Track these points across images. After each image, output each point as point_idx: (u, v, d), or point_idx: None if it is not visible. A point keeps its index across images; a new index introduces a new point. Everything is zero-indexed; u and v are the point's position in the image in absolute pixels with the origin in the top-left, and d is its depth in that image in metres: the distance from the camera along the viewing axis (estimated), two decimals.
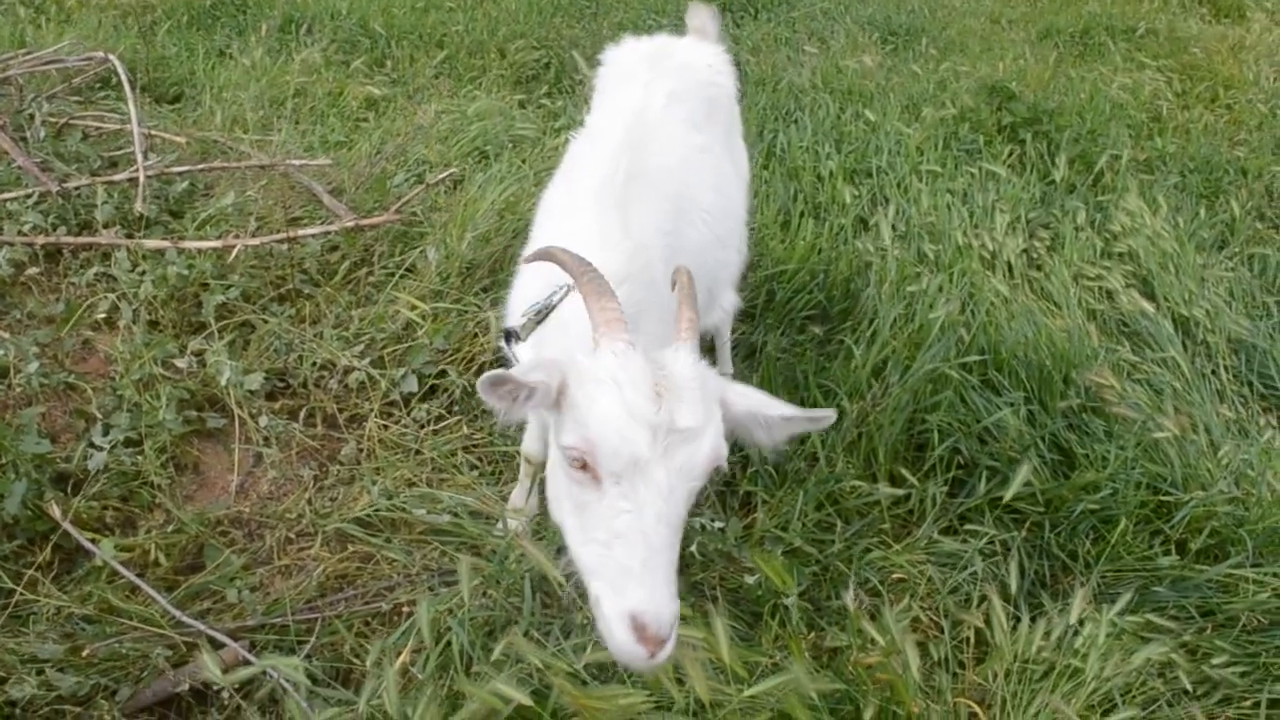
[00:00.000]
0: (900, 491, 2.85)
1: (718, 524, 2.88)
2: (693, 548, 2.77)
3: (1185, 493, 2.93)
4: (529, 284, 2.26)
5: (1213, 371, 3.69)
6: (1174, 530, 2.87)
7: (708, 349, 3.19)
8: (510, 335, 2.20)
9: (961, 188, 4.71)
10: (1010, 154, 5.24)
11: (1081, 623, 2.43)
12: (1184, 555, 2.84)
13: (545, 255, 1.85)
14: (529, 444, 2.74)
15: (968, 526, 2.84)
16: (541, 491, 2.87)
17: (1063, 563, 2.83)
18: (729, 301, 2.86)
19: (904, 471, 2.90)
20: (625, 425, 1.55)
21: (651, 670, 1.61)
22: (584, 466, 1.60)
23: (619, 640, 1.50)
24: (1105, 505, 2.87)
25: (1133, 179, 5.00)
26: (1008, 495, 2.62)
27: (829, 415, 1.75)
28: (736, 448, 2.97)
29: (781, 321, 3.50)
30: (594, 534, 1.59)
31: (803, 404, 3.05)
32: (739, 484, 2.99)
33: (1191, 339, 3.85)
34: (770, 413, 1.74)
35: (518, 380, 1.64)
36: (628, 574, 1.51)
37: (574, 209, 2.31)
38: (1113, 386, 3.08)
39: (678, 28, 7.18)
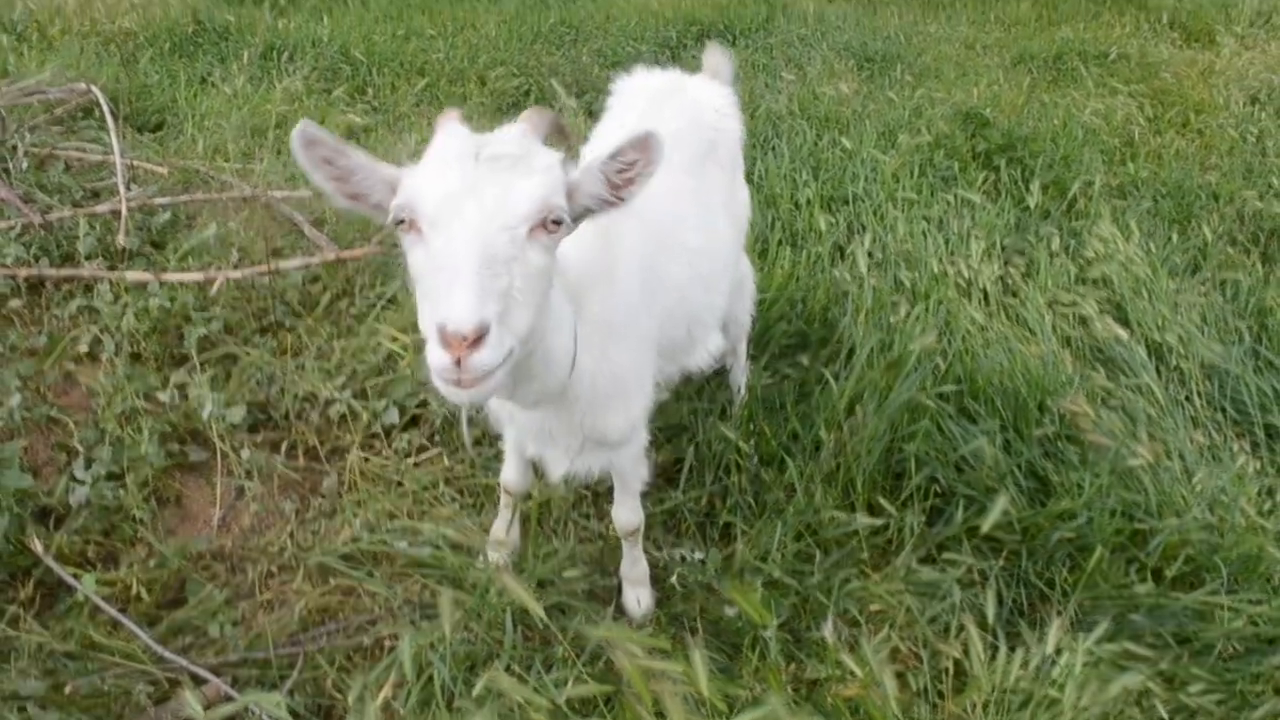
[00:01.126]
0: (878, 521, 2.87)
1: (698, 555, 2.91)
2: (673, 579, 2.79)
3: (1160, 520, 2.96)
4: None
5: (1186, 398, 3.73)
6: (1149, 558, 2.90)
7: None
8: None
9: (937, 215, 4.76)
10: (985, 180, 5.31)
11: (1059, 652, 2.45)
12: (1160, 583, 2.87)
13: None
14: (508, 475, 2.76)
15: (946, 555, 2.87)
16: (523, 523, 2.90)
17: (1040, 591, 2.86)
18: (714, 344, 2.86)
19: (882, 501, 2.92)
20: (440, 169, 1.61)
21: (469, 402, 1.60)
22: (411, 227, 1.62)
23: (429, 358, 1.50)
24: (1081, 533, 2.90)
25: (1106, 205, 5.07)
26: (985, 526, 2.65)
27: (649, 134, 1.77)
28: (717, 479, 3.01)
29: (762, 351, 3.53)
30: (425, 289, 1.60)
31: (790, 435, 3.11)
32: (719, 514, 3.01)
33: (1165, 365, 3.89)
34: (601, 159, 1.78)
35: (333, 146, 1.71)
36: (444, 297, 1.51)
37: None
38: (1087, 414, 3.11)
39: (656, 54, 7.28)
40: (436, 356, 1.49)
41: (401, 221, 1.63)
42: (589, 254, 2.15)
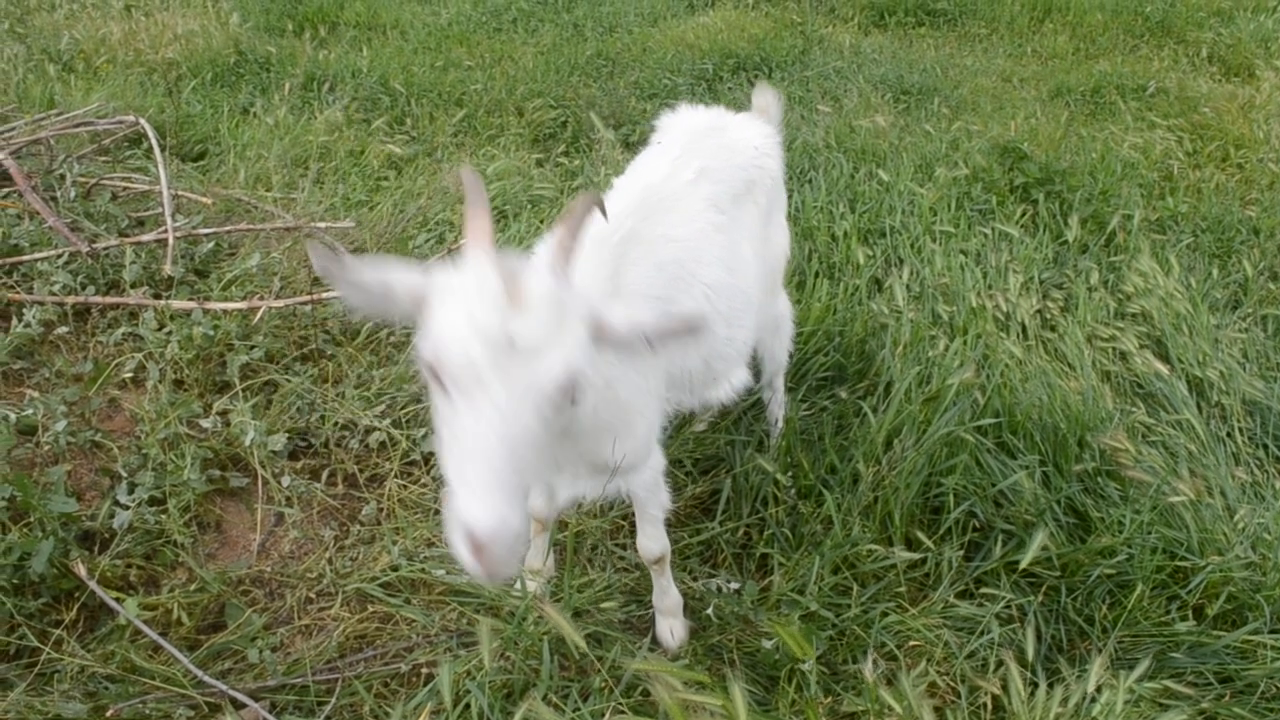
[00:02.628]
0: (916, 555, 2.87)
1: (734, 585, 2.91)
2: (709, 610, 2.79)
3: (1201, 558, 2.93)
4: None
5: (1228, 434, 3.70)
6: (1191, 596, 2.87)
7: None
8: None
9: (975, 248, 4.75)
10: (1023, 214, 5.29)
11: (1099, 689, 2.43)
12: (1201, 621, 2.84)
13: (454, 178, 1.86)
14: (533, 502, 2.77)
15: (984, 590, 2.85)
16: (559, 553, 2.91)
17: (1079, 628, 2.83)
18: (739, 379, 2.87)
19: (920, 535, 2.92)
20: (465, 337, 1.54)
21: (493, 584, 1.59)
22: (436, 377, 1.59)
23: (456, 553, 1.52)
24: (1121, 570, 2.88)
25: (1145, 239, 5.04)
26: (1025, 561, 2.64)
27: (698, 318, 1.74)
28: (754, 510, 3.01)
29: (799, 383, 3.53)
30: (449, 445, 1.59)
31: (828, 468, 3.11)
32: (756, 546, 3.01)
33: (1206, 401, 3.86)
34: (645, 325, 1.74)
35: (346, 266, 1.66)
36: (468, 489, 1.50)
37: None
38: (1127, 450, 3.09)
39: (692, 86, 7.33)
40: (464, 559, 1.51)
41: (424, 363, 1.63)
42: (594, 281, 2.16)
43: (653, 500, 2.57)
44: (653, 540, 2.63)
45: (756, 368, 3.23)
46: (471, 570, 1.52)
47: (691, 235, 2.58)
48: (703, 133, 2.93)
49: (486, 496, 1.48)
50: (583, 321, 1.65)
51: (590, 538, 3.05)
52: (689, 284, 2.51)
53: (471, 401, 1.53)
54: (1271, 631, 2.81)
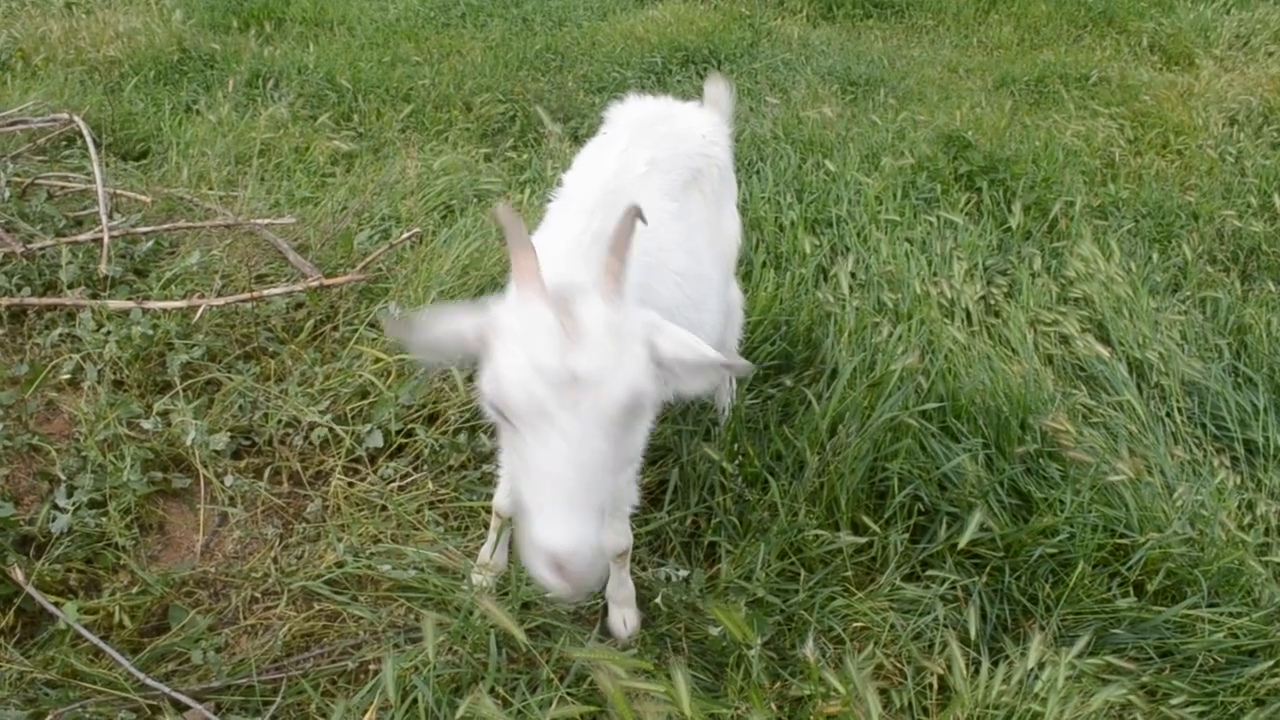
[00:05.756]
0: (862, 539, 2.89)
1: (682, 574, 2.91)
2: (657, 599, 2.80)
3: (1141, 535, 2.98)
4: None
5: (1167, 414, 3.76)
6: (1131, 572, 2.92)
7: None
8: None
9: (920, 236, 4.79)
10: (967, 202, 5.35)
11: (1041, 666, 2.46)
12: (1141, 597, 2.90)
13: (491, 216, 1.88)
14: (500, 498, 2.76)
15: (929, 573, 2.88)
16: (509, 547, 2.90)
17: (1023, 607, 2.87)
18: None
19: (866, 519, 2.94)
20: (527, 378, 1.58)
21: (575, 597, 1.71)
22: (502, 415, 1.64)
23: (540, 577, 1.59)
24: (1063, 549, 2.92)
25: (1087, 225, 5.12)
26: (963, 541, 2.67)
27: (747, 365, 1.81)
28: (701, 500, 3.02)
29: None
30: (522, 474, 1.65)
31: (774, 456, 3.12)
32: (704, 534, 3.02)
33: (1146, 382, 3.93)
34: (689, 356, 1.79)
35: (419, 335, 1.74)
36: (545, 515, 1.56)
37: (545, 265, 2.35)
38: (1068, 431, 3.14)
39: (641, 80, 7.33)
40: (551, 583, 1.58)
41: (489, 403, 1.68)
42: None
43: (625, 498, 2.57)
44: (621, 535, 2.63)
45: None
46: (556, 589, 1.58)
47: (655, 225, 2.55)
48: (649, 122, 2.93)
49: (563, 521, 1.54)
50: (641, 342, 1.70)
51: None
52: (661, 273, 2.52)
53: (540, 435, 1.57)
54: (1210, 605, 2.86)
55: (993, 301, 4.34)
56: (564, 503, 1.56)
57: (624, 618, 2.76)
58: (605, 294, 1.71)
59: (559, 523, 1.55)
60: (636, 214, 1.86)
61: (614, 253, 1.78)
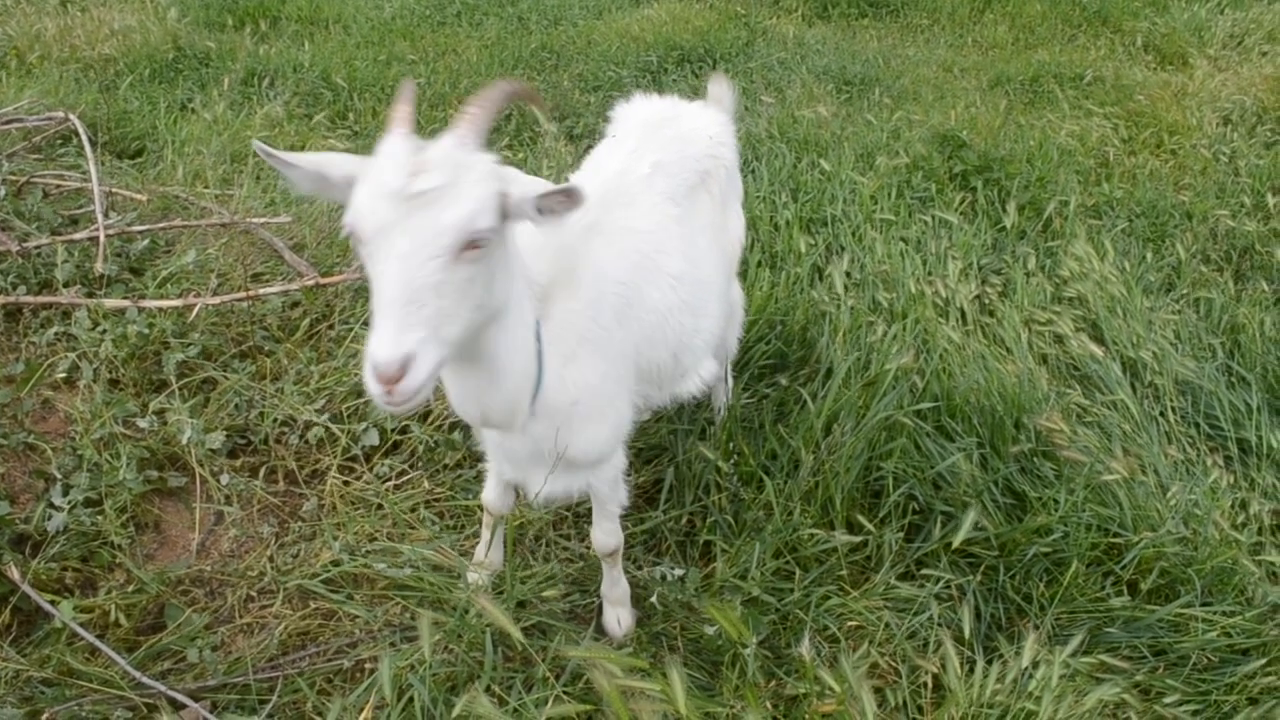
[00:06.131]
0: (857, 539, 2.90)
1: (677, 572, 2.92)
2: (653, 598, 2.80)
3: (1135, 534, 2.99)
4: None
5: (1160, 413, 3.78)
6: (1125, 571, 2.93)
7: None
8: None
9: (915, 236, 4.80)
10: (962, 201, 5.36)
11: (1035, 665, 2.48)
12: (1135, 596, 2.91)
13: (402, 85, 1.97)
14: (489, 495, 2.77)
15: (924, 572, 2.89)
16: (503, 545, 2.91)
17: (1017, 605, 2.88)
18: (708, 370, 2.89)
19: (861, 518, 2.95)
20: (373, 199, 1.70)
21: (396, 413, 1.93)
22: (359, 244, 1.74)
23: (367, 387, 1.68)
24: (1057, 548, 2.93)
25: (1081, 224, 5.13)
26: (957, 541, 2.68)
27: (578, 188, 1.82)
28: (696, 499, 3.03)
29: (741, 371, 3.54)
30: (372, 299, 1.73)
31: (769, 455, 3.13)
32: (699, 533, 3.03)
33: (1140, 381, 3.94)
34: (530, 191, 1.83)
35: (283, 160, 1.84)
36: (374, 329, 1.67)
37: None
38: (1063, 431, 3.15)
39: (637, 79, 7.33)
40: (369, 383, 1.67)
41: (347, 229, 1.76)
42: (549, 262, 2.21)
43: (612, 497, 2.60)
44: (609, 535, 2.65)
45: None
46: (378, 401, 1.68)
47: (653, 227, 2.60)
48: (656, 124, 2.92)
49: (387, 334, 1.64)
50: (484, 182, 1.77)
51: (532, 528, 3.05)
52: (653, 274, 2.53)
53: (381, 254, 1.69)
54: (1203, 605, 2.88)
55: (987, 301, 4.35)
56: (391, 317, 1.65)
57: (618, 617, 2.77)
58: (457, 135, 1.79)
59: (382, 335, 1.64)
60: (515, 91, 1.93)
61: (479, 104, 1.84)
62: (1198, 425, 3.79)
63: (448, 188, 1.70)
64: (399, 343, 1.64)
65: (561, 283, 2.22)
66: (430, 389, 1.72)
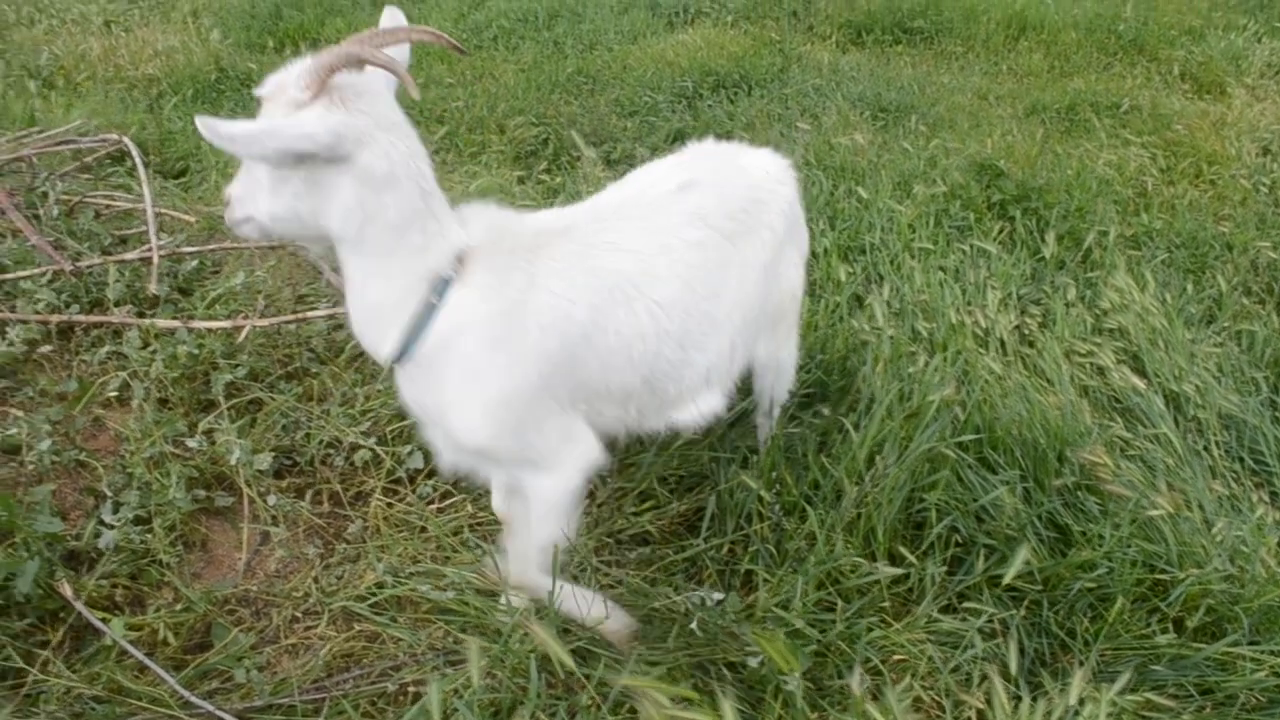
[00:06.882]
0: (899, 571, 2.89)
1: (716, 596, 2.92)
2: (693, 625, 2.80)
3: (1180, 570, 2.97)
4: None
5: (1204, 448, 3.75)
6: (1171, 608, 2.91)
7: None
8: None
9: (953, 265, 4.80)
10: (1000, 231, 5.36)
11: (1082, 702, 2.46)
12: (1181, 633, 2.88)
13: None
14: (495, 501, 2.78)
15: (966, 605, 2.88)
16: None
17: (1061, 641, 2.86)
18: (708, 404, 2.77)
19: (903, 550, 2.94)
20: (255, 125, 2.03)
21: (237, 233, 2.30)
22: None
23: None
24: (1102, 583, 2.91)
25: (1121, 255, 5.11)
26: (1008, 577, 2.66)
27: (309, 131, 2.04)
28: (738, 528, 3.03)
29: None
30: None
31: (811, 485, 3.13)
32: (740, 562, 3.03)
33: (1182, 415, 3.92)
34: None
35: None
36: None
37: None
38: (1106, 464, 3.13)
39: (673, 104, 7.37)
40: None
41: None
42: (482, 233, 2.33)
43: (545, 524, 2.51)
44: (519, 567, 2.59)
45: (747, 389, 3.24)
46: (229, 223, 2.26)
47: (649, 247, 2.50)
48: (710, 153, 2.89)
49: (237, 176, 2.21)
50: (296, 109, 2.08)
51: (576, 554, 3.06)
52: (630, 297, 2.44)
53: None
54: (1250, 643, 2.85)
55: (1027, 331, 4.34)
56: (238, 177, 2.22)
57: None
58: (303, 74, 2.07)
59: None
60: (355, 53, 2.12)
61: (327, 55, 2.07)
62: (1242, 460, 3.76)
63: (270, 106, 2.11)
64: (231, 184, 2.24)
65: (486, 256, 2.29)
66: (251, 232, 2.25)
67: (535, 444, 2.41)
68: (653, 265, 2.49)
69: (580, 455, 2.48)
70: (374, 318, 2.27)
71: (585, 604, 2.63)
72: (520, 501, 2.61)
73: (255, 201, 2.16)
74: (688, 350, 2.59)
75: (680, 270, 2.53)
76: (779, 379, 3.21)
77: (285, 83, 2.10)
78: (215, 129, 1.95)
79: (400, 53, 2.25)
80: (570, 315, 2.34)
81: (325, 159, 2.07)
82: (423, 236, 2.22)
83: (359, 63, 2.10)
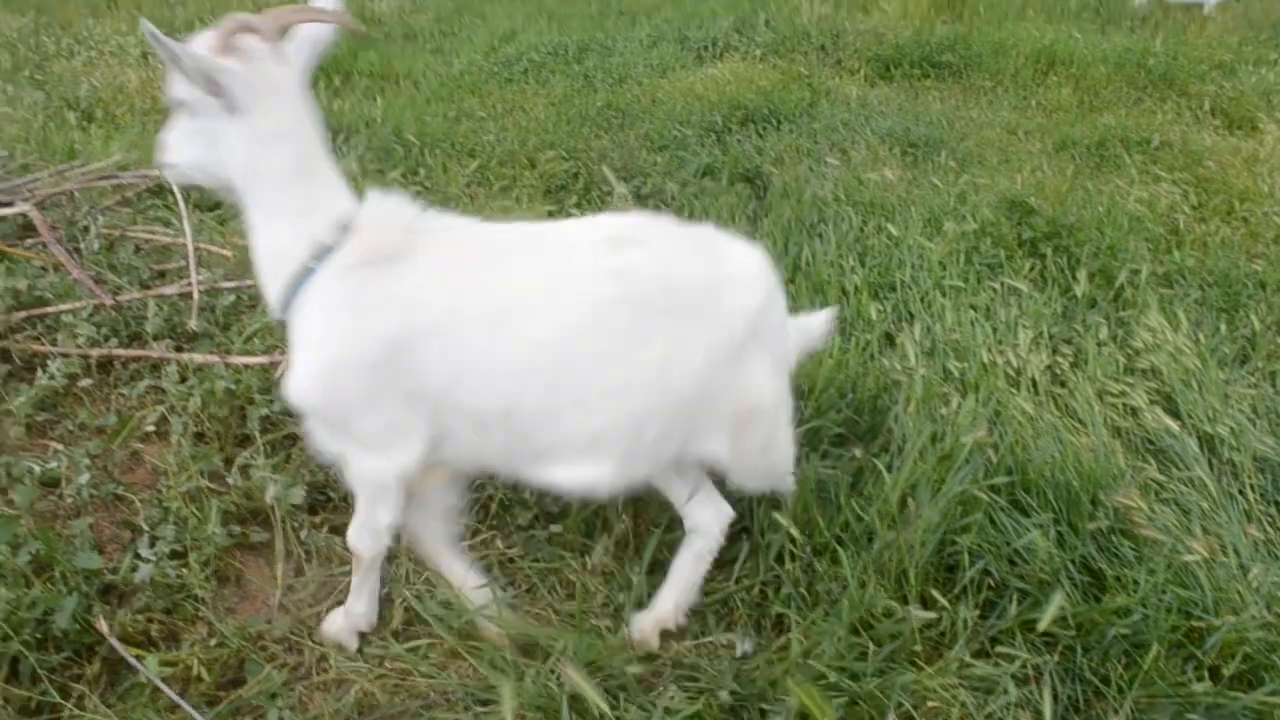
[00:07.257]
0: (931, 614, 2.88)
1: (746, 645, 2.91)
2: (728, 678, 2.78)
3: (1217, 617, 2.94)
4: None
5: (1239, 491, 3.71)
6: (1207, 656, 2.88)
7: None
8: None
9: (984, 303, 4.79)
10: (1031, 268, 5.35)
11: None
12: (1217, 681, 2.84)
13: None
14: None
15: (999, 649, 2.86)
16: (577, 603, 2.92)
17: (1096, 688, 2.84)
18: (585, 474, 2.54)
19: (935, 593, 2.93)
20: None
21: (160, 171, 2.66)
22: None
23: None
24: (1137, 630, 2.88)
25: (1153, 294, 5.08)
26: (1043, 624, 2.65)
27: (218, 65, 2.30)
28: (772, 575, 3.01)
29: (815, 441, 3.54)
30: None
31: (843, 526, 3.11)
32: (771, 604, 3.02)
33: (1217, 457, 3.88)
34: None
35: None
36: None
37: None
38: (1140, 508, 3.12)
39: (701, 138, 7.41)
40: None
41: None
42: (366, 216, 2.47)
43: (367, 505, 2.67)
44: (355, 534, 2.73)
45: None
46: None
47: (538, 281, 2.42)
48: (684, 232, 2.64)
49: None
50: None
51: (598, 595, 3.07)
52: (497, 321, 2.38)
53: None
54: None
55: (1059, 371, 4.32)
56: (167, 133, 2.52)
57: (337, 628, 2.88)
58: (212, 37, 2.33)
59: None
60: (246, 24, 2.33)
61: (229, 21, 2.30)
62: (1277, 504, 3.72)
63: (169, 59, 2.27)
64: (163, 130, 2.52)
65: (369, 233, 2.43)
66: (175, 176, 2.59)
67: (361, 425, 2.48)
68: (533, 301, 2.40)
69: (398, 457, 2.52)
70: (262, 269, 2.53)
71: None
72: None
73: (179, 149, 2.49)
74: (560, 402, 2.43)
75: (569, 318, 2.40)
76: (766, 481, 2.99)
77: (199, 43, 2.34)
78: (154, 34, 2.18)
79: (312, 30, 2.51)
80: (423, 305, 2.39)
81: (223, 108, 2.33)
82: (305, 201, 2.44)
83: (257, 30, 2.35)
